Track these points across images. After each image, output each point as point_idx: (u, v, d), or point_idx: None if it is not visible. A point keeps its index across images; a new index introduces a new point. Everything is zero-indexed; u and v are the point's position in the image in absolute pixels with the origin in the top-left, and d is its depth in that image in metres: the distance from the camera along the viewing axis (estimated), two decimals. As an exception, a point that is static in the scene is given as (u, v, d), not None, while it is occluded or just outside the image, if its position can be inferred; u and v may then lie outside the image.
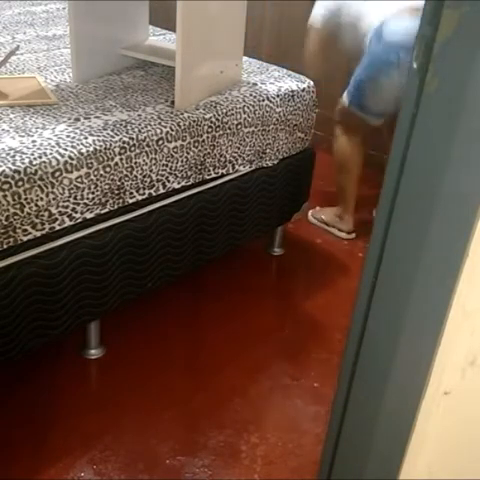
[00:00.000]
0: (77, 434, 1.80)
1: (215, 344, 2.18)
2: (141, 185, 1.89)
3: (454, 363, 1.01)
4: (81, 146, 1.73)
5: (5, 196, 1.58)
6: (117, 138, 1.80)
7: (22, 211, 1.63)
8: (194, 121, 1.98)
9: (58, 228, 1.74)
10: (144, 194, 1.92)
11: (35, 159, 1.64)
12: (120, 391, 1.95)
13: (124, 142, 1.81)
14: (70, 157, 1.70)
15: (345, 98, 2.58)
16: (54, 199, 1.69)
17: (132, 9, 2.31)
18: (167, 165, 1.94)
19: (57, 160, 1.67)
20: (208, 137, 2.03)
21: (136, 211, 1.93)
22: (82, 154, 1.72)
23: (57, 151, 1.69)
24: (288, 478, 1.73)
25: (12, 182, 1.59)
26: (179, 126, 1.94)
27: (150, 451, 1.77)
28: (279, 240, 2.66)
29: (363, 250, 2.66)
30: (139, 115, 1.93)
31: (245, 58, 2.36)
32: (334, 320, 2.34)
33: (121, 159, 1.81)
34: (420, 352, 0.99)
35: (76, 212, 1.76)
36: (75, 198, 1.73)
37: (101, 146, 1.76)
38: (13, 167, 1.60)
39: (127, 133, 1.83)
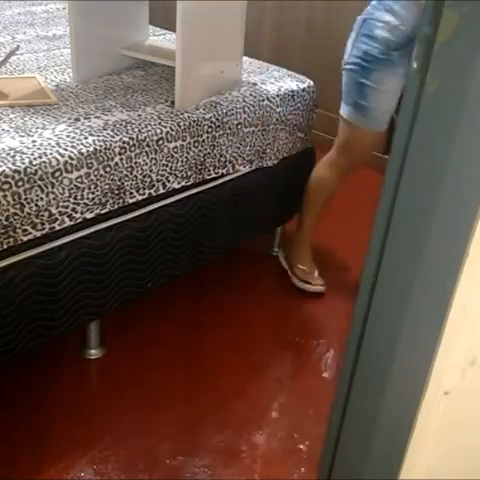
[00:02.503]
0: (77, 434, 1.80)
1: (215, 344, 2.18)
2: (141, 185, 1.89)
3: (454, 363, 1.01)
4: (81, 146, 1.73)
5: (5, 196, 1.58)
6: (117, 138, 1.80)
7: (22, 211, 1.63)
8: (194, 121, 1.98)
9: (58, 228, 1.74)
10: (144, 194, 1.92)
11: (35, 159, 1.64)
12: (120, 391, 1.95)
13: (124, 142, 1.81)
14: (70, 157, 1.70)
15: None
16: (54, 199, 1.69)
17: (132, 9, 2.31)
18: (167, 165, 1.94)
19: (57, 160, 1.67)
20: (208, 137, 2.03)
21: (136, 211, 1.93)
22: (82, 154, 1.72)
23: (57, 151, 1.69)
24: (288, 478, 1.73)
25: (12, 182, 1.59)
26: (179, 126, 1.94)
27: (150, 451, 1.77)
28: (279, 240, 2.66)
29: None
30: (139, 115, 1.94)
31: (245, 58, 2.36)
32: (334, 320, 2.34)
33: (121, 159, 1.81)
34: (420, 352, 0.99)
35: (76, 212, 1.76)
36: (75, 198, 1.73)
37: (101, 146, 1.76)
38: (13, 167, 1.60)
39: (127, 133, 1.83)
